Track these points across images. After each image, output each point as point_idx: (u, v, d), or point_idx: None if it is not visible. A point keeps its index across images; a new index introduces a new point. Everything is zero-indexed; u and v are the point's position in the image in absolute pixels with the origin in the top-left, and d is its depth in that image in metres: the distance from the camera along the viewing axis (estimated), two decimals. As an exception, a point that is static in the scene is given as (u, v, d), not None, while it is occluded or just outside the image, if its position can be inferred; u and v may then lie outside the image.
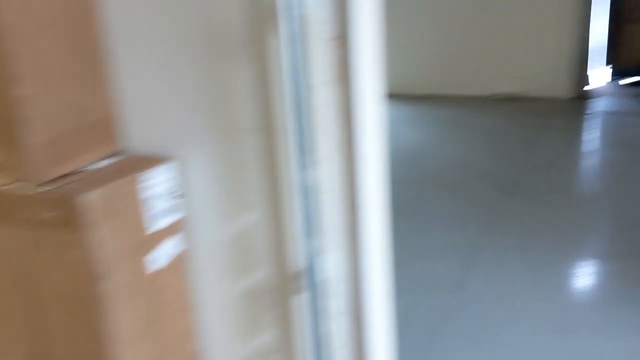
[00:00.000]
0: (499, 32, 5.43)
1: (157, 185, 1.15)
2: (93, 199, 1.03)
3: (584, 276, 2.59)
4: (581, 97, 5.29)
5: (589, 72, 5.33)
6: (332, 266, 1.10)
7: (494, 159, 4.01)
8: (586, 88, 5.34)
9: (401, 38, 5.85)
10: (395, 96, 5.91)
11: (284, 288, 1.16)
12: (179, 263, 1.25)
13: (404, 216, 3.22)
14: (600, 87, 5.69)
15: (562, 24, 5.18)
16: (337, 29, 0.99)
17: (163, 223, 1.18)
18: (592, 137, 4.59)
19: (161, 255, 1.18)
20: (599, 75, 5.89)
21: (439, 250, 2.83)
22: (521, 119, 4.89)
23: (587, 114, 4.95)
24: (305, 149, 1.04)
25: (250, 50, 1.05)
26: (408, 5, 5.73)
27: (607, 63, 5.92)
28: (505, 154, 4.08)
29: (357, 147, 1.06)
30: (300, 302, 1.15)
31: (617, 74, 5.87)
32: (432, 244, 2.89)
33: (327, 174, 1.06)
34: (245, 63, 1.06)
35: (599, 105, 5.09)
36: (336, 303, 1.14)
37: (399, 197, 3.63)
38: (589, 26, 5.19)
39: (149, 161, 1.17)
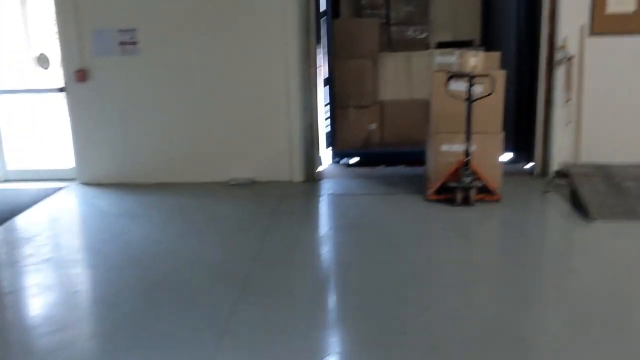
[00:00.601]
0: (233, 119, 5.41)
1: None
2: None
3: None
4: (312, 180, 5.48)
5: (318, 155, 5.57)
6: None
7: (230, 254, 3.79)
8: (317, 170, 5.56)
9: (129, 125, 5.46)
10: (124, 185, 5.44)
11: None
12: None
13: (118, 341, 2.74)
14: (328, 169, 6.01)
15: (291, 111, 5.36)
16: None
17: None
18: (323, 220, 4.71)
19: None
20: (326, 157, 6.24)
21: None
22: (257, 205, 4.83)
23: (317, 196, 5.10)
24: None
25: None
26: (139, 91, 5.40)
27: (329, 146, 6.31)
28: (242, 247, 3.89)
29: None
30: None
31: (339, 156, 6.29)
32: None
33: None
34: None
35: (327, 188, 5.31)
36: None
37: (117, 312, 3.15)
38: (316, 113, 5.46)
39: None
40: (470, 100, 4.38)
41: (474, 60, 4.44)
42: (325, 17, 6.12)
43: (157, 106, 5.41)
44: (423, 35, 6.94)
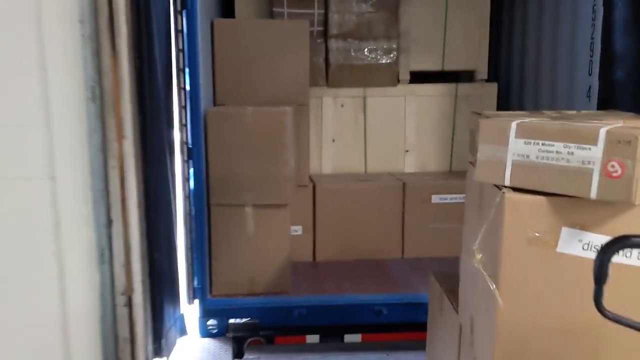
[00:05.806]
0: None
1: None
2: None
3: None
4: None
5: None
6: None
7: None
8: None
9: None
10: None
11: None
12: None
13: None
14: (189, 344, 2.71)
15: (65, 259, 1.97)
16: None
17: None
18: None
19: None
20: (190, 321, 2.88)
21: None
22: None
23: None
24: None
25: None
26: None
27: (197, 294, 2.92)
28: None
29: None
30: None
31: (216, 315, 2.90)
32: None
33: None
34: None
35: None
36: None
37: None
38: (143, 257, 2.09)
39: None
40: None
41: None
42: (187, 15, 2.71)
43: None
44: (389, 59, 3.73)
